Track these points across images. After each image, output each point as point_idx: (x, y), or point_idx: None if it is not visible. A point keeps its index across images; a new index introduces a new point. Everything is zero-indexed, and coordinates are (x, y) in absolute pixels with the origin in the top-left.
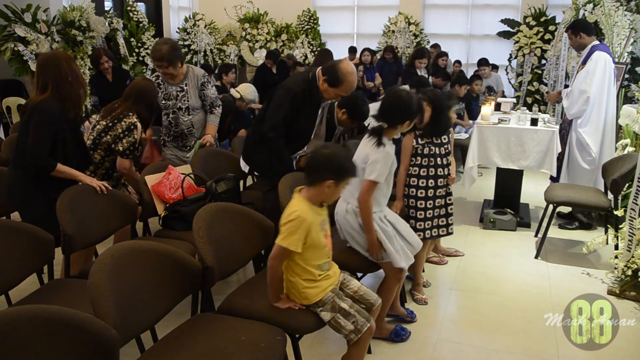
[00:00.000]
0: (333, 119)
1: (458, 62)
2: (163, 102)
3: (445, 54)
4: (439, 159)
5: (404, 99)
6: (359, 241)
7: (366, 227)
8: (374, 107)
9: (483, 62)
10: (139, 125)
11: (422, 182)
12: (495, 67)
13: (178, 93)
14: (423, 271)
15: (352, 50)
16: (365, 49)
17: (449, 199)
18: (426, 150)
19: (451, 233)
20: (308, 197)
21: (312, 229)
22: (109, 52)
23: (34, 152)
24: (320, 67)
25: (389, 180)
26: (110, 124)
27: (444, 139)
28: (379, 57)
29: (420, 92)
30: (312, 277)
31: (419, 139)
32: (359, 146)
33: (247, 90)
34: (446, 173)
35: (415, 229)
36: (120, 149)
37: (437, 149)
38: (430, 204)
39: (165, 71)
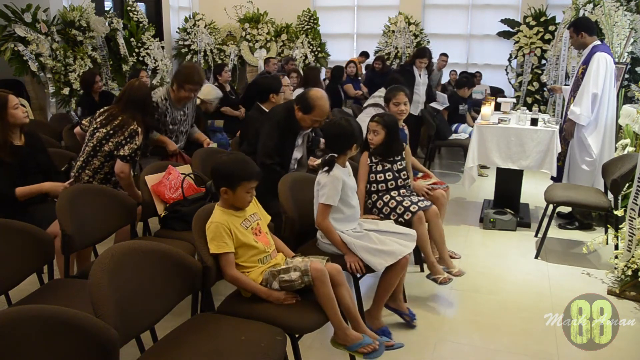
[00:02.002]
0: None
1: (454, 71)
2: (170, 126)
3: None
4: (395, 173)
5: (345, 126)
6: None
7: (336, 245)
8: (361, 119)
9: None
10: (140, 131)
11: (386, 197)
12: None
13: (182, 117)
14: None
15: (363, 54)
16: (350, 61)
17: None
18: (379, 168)
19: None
20: (221, 204)
21: (233, 229)
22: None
23: None
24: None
25: (350, 203)
26: (112, 132)
27: (397, 156)
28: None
29: (377, 115)
30: (252, 268)
31: (372, 158)
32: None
33: (205, 91)
34: (405, 183)
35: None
36: (122, 154)
37: (390, 165)
38: (399, 198)
39: (194, 95)
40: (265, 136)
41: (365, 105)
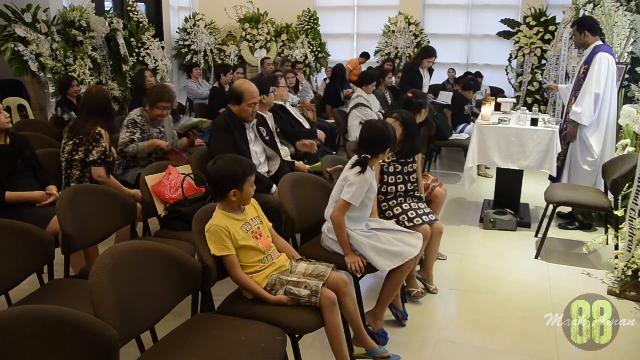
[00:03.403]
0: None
1: (452, 69)
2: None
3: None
4: (405, 176)
5: (382, 129)
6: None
7: (340, 243)
8: (352, 124)
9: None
10: (103, 133)
11: (392, 202)
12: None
13: (157, 135)
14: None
15: (364, 55)
16: (338, 64)
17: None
18: (391, 169)
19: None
20: (223, 208)
21: (232, 232)
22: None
23: None
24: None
25: (366, 204)
26: (77, 141)
27: (410, 158)
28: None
29: (395, 112)
30: (255, 269)
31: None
32: (345, 168)
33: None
34: (414, 188)
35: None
36: (92, 159)
37: (402, 167)
38: (405, 206)
39: (166, 112)
40: (215, 143)
41: (350, 108)
